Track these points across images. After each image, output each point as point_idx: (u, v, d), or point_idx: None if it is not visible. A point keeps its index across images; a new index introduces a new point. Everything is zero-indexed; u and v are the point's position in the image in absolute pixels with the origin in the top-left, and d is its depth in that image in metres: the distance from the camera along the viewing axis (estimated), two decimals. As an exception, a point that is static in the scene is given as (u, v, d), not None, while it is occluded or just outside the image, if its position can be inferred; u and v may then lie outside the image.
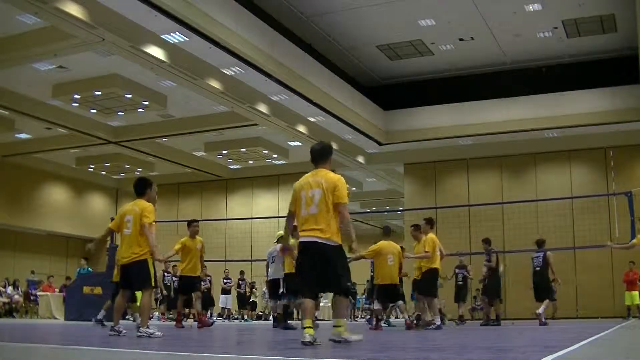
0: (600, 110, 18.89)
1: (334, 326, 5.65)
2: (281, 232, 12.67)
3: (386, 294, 10.62)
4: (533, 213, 20.01)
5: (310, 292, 5.75)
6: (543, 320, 11.92)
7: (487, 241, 13.65)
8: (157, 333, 6.96)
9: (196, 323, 12.22)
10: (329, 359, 4.39)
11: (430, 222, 11.04)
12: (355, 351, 5.02)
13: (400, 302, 10.87)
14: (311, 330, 5.31)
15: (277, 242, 12.34)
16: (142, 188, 7.46)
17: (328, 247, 5.57)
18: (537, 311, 12.03)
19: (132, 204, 7.35)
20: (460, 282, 15.70)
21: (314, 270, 5.59)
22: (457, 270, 15.88)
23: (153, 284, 7.29)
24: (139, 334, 6.94)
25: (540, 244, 12.82)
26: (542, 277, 12.42)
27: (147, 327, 7.00)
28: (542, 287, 12.38)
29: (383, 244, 10.51)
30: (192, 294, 11.57)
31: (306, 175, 5.88)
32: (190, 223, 11.52)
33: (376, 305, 10.82)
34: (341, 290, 5.67)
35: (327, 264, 5.56)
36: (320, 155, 5.93)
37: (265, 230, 20.93)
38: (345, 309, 5.93)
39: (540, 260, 12.49)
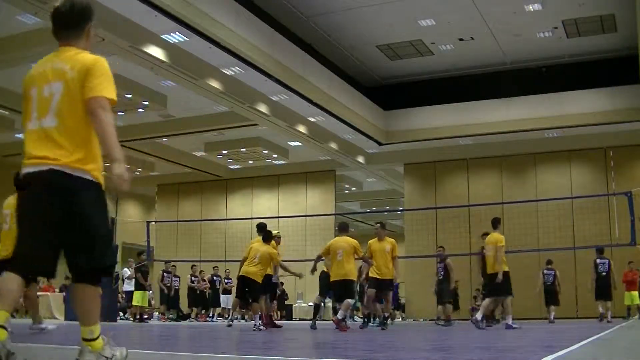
0: (600, 110, 18.89)
1: (84, 339, 3.12)
2: (276, 232, 12.70)
3: (337, 290, 10.19)
4: (533, 213, 20.01)
5: (23, 263, 3.06)
6: (609, 318, 14.45)
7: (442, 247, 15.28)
8: (50, 327, 7.67)
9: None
10: (328, 359, 4.39)
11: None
12: (356, 351, 5.02)
13: (348, 300, 10.16)
14: (2, 334, 2.91)
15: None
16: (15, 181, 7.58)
17: (76, 183, 3.00)
18: (603, 311, 14.75)
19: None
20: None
21: (46, 224, 2.99)
22: None
23: None
24: (31, 330, 7.58)
25: (603, 251, 15.24)
26: (608, 281, 14.84)
27: (39, 324, 7.77)
28: (608, 289, 14.80)
29: (334, 240, 10.41)
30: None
31: (45, 58, 3.32)
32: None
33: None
34: (98, 268, 3.11)
35: (75, 215, 2.99)
36: (70, 21, 3.24)
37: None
38: (98, 305, 3.22)
39: (607, 266, 14.88)
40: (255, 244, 10.96)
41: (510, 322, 10.32)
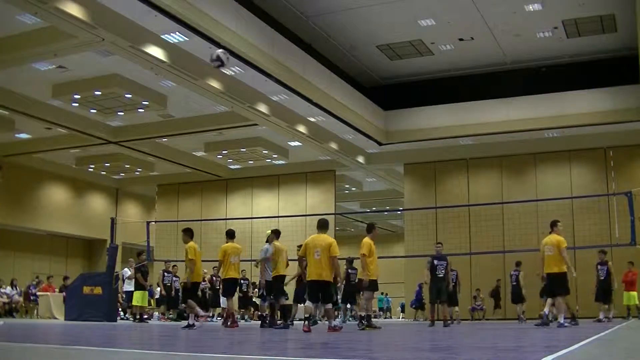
0: (600, 110, 18.89)
1: None
2: (269, 230, 12.73)
3: (313, 291, 9.50)
4: (533, 213, 19.99)
5: None
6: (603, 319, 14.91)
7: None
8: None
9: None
10: (329, 359, 4.39)
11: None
12: (355, 351, 5.02)
13: (329, 305, 9.73)
14: None
15: (267, 241, 12.39)
16: None
17: None
18: (604, 314, 15.31)
19: None
20: (514, 283, 16.31)
21: None
22: (512, 272, 16.56)
23: None
24: None
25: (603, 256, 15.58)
26: (607, 284, 15.33)
27: None
28: (608, 292, 15.34)
29: (311, 237, 9.66)
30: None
31: None
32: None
33: (307, 303, 9.71)
34: None
35: None
36: None
37: (265, 230, 20.89)
38: None
39: (605, 271, 15.31)
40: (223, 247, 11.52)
41: (562, 320, 10.70)
